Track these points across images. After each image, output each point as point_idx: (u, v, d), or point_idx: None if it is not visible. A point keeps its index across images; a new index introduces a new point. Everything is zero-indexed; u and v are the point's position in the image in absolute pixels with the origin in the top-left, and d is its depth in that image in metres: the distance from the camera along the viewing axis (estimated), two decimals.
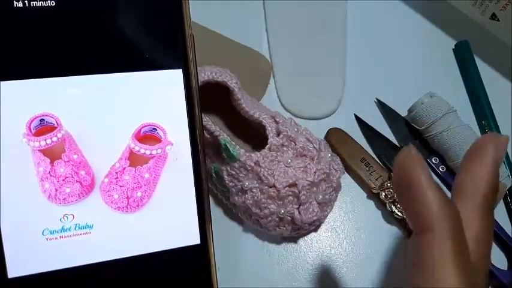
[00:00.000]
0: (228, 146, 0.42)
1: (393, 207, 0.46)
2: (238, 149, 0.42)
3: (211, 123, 0.43)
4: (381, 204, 0.48)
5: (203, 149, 0.34)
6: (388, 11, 0.58)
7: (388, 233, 0.48)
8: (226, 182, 0.43)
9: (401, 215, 0.46)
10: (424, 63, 0.56)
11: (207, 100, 0.46)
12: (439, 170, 0.50)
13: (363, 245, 0.47)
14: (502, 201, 0.49)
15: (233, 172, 0.42)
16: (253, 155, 0.42)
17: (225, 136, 0.43)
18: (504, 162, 0.49)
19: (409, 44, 0.57)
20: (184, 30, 0.34)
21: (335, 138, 0.50)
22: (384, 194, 0.47)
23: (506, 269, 0.46)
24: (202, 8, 0.55)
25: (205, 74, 0.44)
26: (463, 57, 0.56)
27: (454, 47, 0.57)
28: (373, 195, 0.48)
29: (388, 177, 0.48)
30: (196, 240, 0.33)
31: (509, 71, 0.55)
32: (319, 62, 0.54)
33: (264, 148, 0.42)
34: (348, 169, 0.50)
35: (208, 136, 0.44)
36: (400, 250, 0.47)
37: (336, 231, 0.47)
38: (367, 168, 0.49)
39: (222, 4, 0.56)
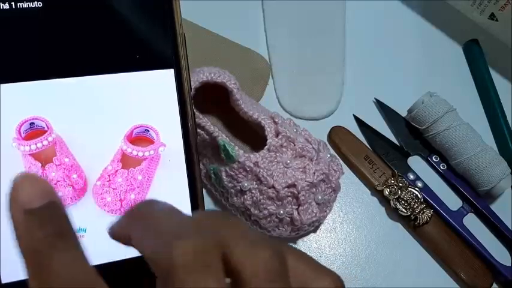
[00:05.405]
0: (227, 146, 0.42)
1: (397, 204, 0.46)
2: (237, 149, 0.42)
3: (210, 124, 0.43)
4: (384, 201, 0.47)
5: (197, 150, 0.34)
6: (387, 11, 0.58)
7: (392, 230, 0.47)
8: (225, 182, 0.42)
9: (405, 211, 0.46)
10: (422, 64, 0.55)
11: (205, 101, 0.46)
12: (439, 168, 0.50)
13: (362, 245, 0.46)
14: (504, 197, 0.48)
15: (232, 173, 0.42)
16: (252, 155, 0.41)
17: (223, 137, 0.43)
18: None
19: (408, 44, 0.56)
20: (175, 29, 0.33)
21: (338, 136, 0.50)
22: (388, 190, 0.46)
23: (509, 264, 0.46)
24: (201, 8, 0.54)
25: (204, 74, 0.43)
26: (473, 55, 0.55)
27: (463, 46, 0.56)
28: (376, 192, 0.48)
29: (391, 175, 0.48)
30: None
31: (509, 71, 0.55)
32: (318, 63, 0.54)
33: (263, 149, 0.42)
34: (352, 167, 0.49)
35: (207, 137, 0.43)
36: (403, 247, 0.47)
37: (335, 232, 0.47)
38: (370, 166, 0.49)
39: (220, 5, 0.56)
